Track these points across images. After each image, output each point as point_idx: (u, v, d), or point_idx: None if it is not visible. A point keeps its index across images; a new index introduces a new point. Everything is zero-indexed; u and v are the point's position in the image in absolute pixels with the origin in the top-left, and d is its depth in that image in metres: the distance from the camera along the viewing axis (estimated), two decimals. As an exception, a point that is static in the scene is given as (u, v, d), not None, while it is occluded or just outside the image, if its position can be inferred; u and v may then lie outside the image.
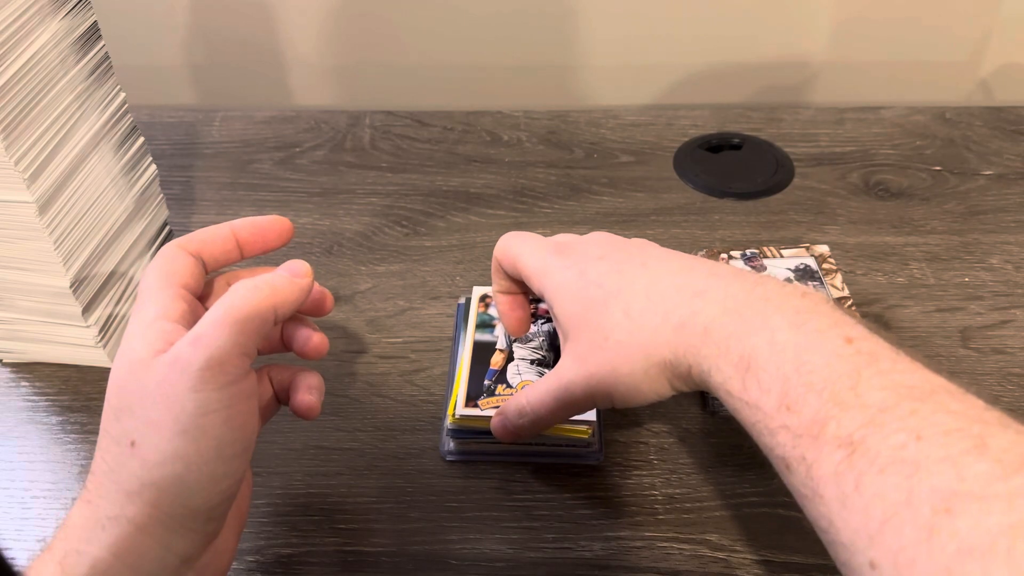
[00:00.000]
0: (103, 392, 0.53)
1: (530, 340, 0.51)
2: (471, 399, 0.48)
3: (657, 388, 0.38)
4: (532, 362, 0.49)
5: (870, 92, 0.82)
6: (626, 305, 0.39)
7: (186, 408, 0.32)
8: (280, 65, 0.83)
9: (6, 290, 0.52)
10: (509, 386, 0.48)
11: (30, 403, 0.54)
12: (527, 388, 0.44)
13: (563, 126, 0.76)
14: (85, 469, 0.49)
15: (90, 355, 0.55)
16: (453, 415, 0.47)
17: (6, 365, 0.56)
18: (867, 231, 0.65)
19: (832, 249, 0.57)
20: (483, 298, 0.54)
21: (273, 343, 0.42)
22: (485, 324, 0.52)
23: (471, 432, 0.48)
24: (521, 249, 0.46)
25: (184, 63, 0.83)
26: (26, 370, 0.55)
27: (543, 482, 0.48)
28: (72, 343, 0.54)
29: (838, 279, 0.54)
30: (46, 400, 0.54)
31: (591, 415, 0.46)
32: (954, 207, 0.67)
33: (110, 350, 0.55)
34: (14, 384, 0.55)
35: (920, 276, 0.61)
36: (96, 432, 0.51)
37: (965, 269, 0.61)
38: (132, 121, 0.56)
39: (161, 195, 0.60)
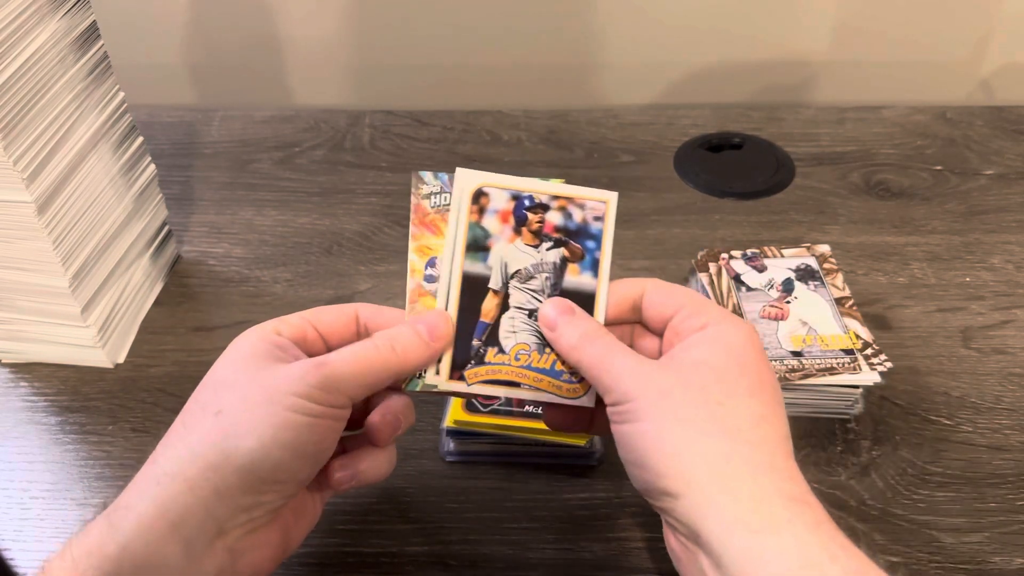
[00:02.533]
0: (102, 392, 0.54)
1: (531, 277, 0.39)
2: (456, 367, 0.38)
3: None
4: (531, 314, 0.39)
5: (871, 92, 0.82)
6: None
7: (282, 402, 0.34)
8: (279, 64, 0.83)
9: (5, 290, 0.52)
10: (502, 351, 0.39)
11: (29, 403, 0.53)
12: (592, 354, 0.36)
13: (563, 125, 0.76)
14: (84, 469, 0.49)
15: (89, 355, 0.55)
16: (419, 384, 0.38)
17: (5, 365, 0.56)
18: (868, 231, 0.65)
19: (833, 249, 0.56)
20: (477, 196, 0.40)
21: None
22: (478, 245, 0.39)
23: (470, 433, 0.48)
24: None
25: (183, 62, 0.83)
26: (25, 370, 0.55)
27: (543, 483, 0.48)
28: (71, 343, 0.54)
29: (839, 279, 0.54)
30: (45, 400, 0.54)
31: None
32: (955, 207, 0.67)
33: (109, 350, 0.55)
34: (13, 384, 0.55)
35: (921, 276, 0.61)
36: (95, 433, 0.51)
37: (966, 269, 0.61)
38: (131, 121, 0.56)
39: (160, 195, 0.60)
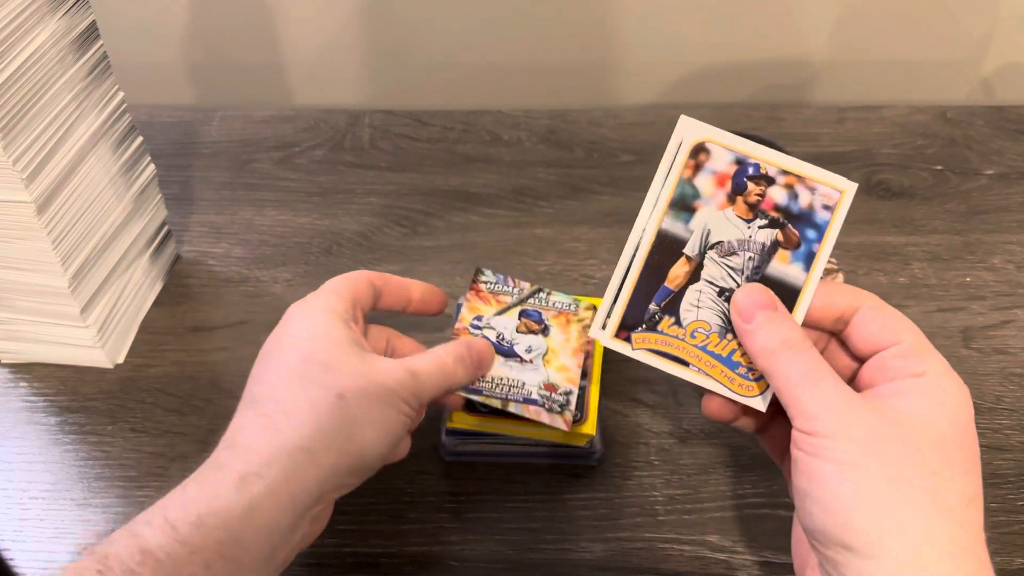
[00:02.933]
0: (101, 392, 0.54)
1: (733, 253, 0.35)
2: (625, 327, 0.35)
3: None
4: (721, 292, 0.35)
5: (871, 91, 0.82)
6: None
7: (392, 401, 0.37)
8: (279, 64, 0.83)
9: (4, 290, 0.52)
10: (678, 323, 0.35)
11: (28, 403, 0.53)
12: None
13: (563, 125, 0.76)
14: (84, 469, 0.49)
15: (88, 355, 0.54)
16: (596, 335, 0.36)
17: (4, 365, 0.56)
18: (868, 231, 0.64)
19: (833, 249, 0.56)
20: (697, 151, 0.36)
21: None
22: (684, 203, 0.35)
23: (470, 433, 0.48)
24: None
25: (183, 62, 0.83)
26: (24, 370, 0.55)
27: (543, 483, 0.48)
28: (70, 343, 0.54)
29: (839, 279, 0.54)
30: (44, 400, 0.53)
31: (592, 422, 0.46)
32: (955, 207, 0.67)
33: (108, 350, 0.55)
34: (12, 384, 0.54)
35: (922, 276, 0.60)
36: (94, 433, 0.51)
37: (967, 269, 0.61)
38: (130, 120, 0.56)
39: (159, 195, 0.60)
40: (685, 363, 0.35)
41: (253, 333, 0.57)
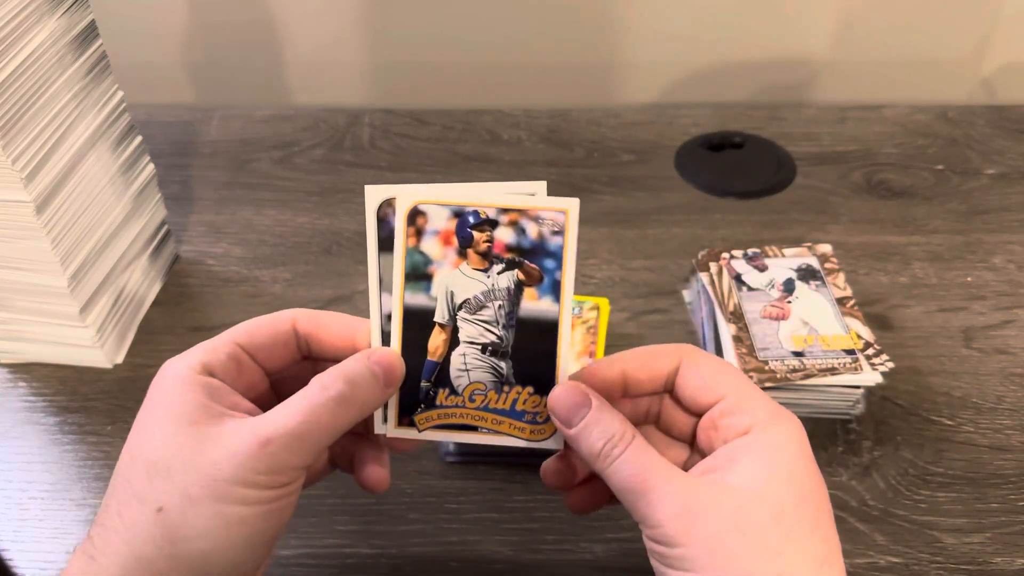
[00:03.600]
0: (101, 392, 0.54)
1: (482, 307, 0.35)
2: (405, 412, 0.35)
3: None
4: (484, 349, 0.35)
5: (872, 91, 0.82)
6: None
7: (229, 495, 0.30)
8: (279, 63, 0.83)
9: (3, 290, 0.52)
10: (454, 392, 0.35)
11: (28, 403, 0.53)
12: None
13: (563, 125, 0.76)
14: (83, 470, 0.49)
15: (88, 355, 0.54)
16: (380, 431, 0.35)
17: (3, 365, 0.56)
18: (869, 230, 0.64)
19: (834, 249, 0.56)
20: (413, 217, 0.35)
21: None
22: (418, 273, 0.34)
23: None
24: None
25: (182, 61, 0.83)
26: (24, 370, 0.55)
27: (543, 483, 0.48)
28: (69, 343, 0.54)
29: (840, 279, 0.54)
30: (44, 400, 0.53)
31: None
32: (956, 206, 0.67)
33: (107, 350, 0.55)
34: (12, 384, 0.54)
35: (923, 276, 0.60)
36: (93, 433, 0.51)
37: (968, 269, 0.61)
38: (129, 120, 0.56)
39: (159, 194, 0.60)
40: (474, 428, 0.35)
41: (253, 333, 0.57)
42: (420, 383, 0.35)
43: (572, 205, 0.34)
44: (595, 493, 0.37)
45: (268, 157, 0.73)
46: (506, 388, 0.35)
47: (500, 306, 0.34)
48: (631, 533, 0.46)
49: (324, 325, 0.35)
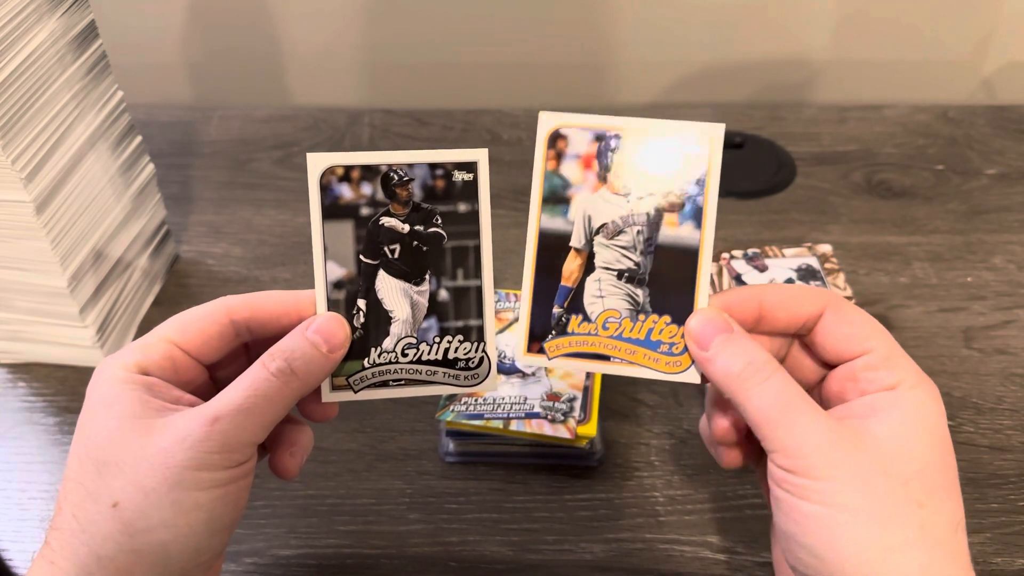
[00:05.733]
0: (100, 392, 0.54)
1: (620, 232, 0.34)
2: (535, 338, 0.34)
3: None
4: (621, 275, 0.34)
5: (872, 91, 0.82)
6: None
7: (183, 480, 0.30)
8: (278, 63, 0.83)
9: (3, 290, 0.52)
10: (587, 319, 0.34)
11: (27, 404, 0.53)
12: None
13: (563, 125, 0.76)
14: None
15: (87, 355, 0.54)
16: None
17: (3, 365, 0.56)
18: (870, 231, 0.64)
19: (835, 249, 0.56)
20: (554, 140, 0.34)
21: None
22: (556, 196, 0.34)
23: (470, 434, 0.47)
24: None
25: (182, 61, 0.83)
26: (23, 370, 0.55)
27: (543, 484, 0.48)
28: (69, 343, 0.54)
29: (840, 279, 0.54)
30: (43, 401, 0.53)
31: (592, 425, 0.46)
32: (957, 206, 0.66)
33: (107, 350, 0.54)
34: (11, 384, 0.54)
35: (923, 276, 0.60)
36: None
37: (968, 269, 0.61)
38: (129, 120, 0.56)
39: (158, 194, 0.60)
40: (607, 357, 0.34)
41: (252, 333, 0.57)
42: (552, 309, 0.34)
43: (717, 129, 0.34)
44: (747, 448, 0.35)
45: (268, 157, 0.73)
46: (642, 317, 0.34)
47: (639, 231, 0.33)
48: (631, 534, 0.46)
49: (261, 307, 0.34)
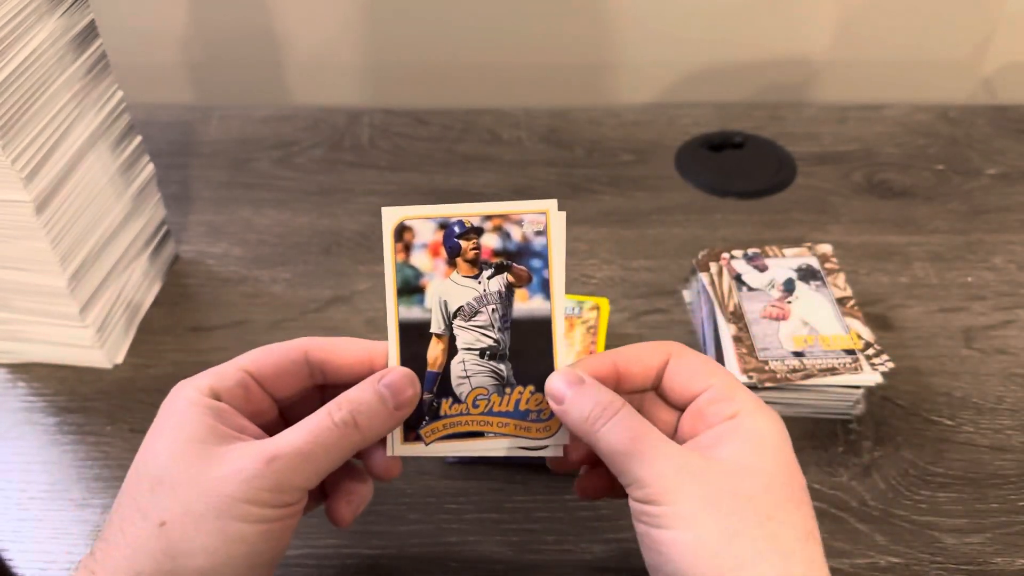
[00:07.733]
0: (100, 393, 0.54)
1: (476, 312, 0.35)
2: (411, 428, 0.35)
3: None
4: (483, 353, 0.35)
5: (873, 90, 0.82)
6: None
7: (231, 510, 0.31)
8: (278, 63, 0.83)
9: (3, 290, 0.52)
10: (458, 400, 0.35)
11: (27, 404, 0.53)
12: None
13: (563, 124, 0.76)
14: (82, 470, 0.49)
15: (87, 355, 0.54)
16: (399, 442, 0.36)
17: (3, 365, 0.56)
18: (870, 230, 0.64)
19: (835, 249, 0.56)
20: (400, 233, 0.36)
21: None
22: (410, 287, 0.36)
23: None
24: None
25: (181, 61, 0.83)
26: (23, 370, 0.55)
27: (543, 484, 0.48)
28: (69, 343, 0.54)
29: (841, 279, 0.54)
30: (43, 401, 0.53)
31: None
32: (957, 206, 0.66)
33: (107, 350, 0.54)
34: (11, 384, 0.54)
35: (923, 276, 0.60)
36: (92, 433, 0.51)
37: (968, 269, 0.61)
38: (129, 120, 0.56)
39: (158, 194, 0.60)
40: (481, 434, 0.36)
41: (252, 333, 0.57)
42: (423, 396, 0.35)
43: (551, 206, 0.35)
44: (601, 478, 0.37)
45: (267, 157, 0.73)
46: (508, 390, 0.36)
47: (493, 310, 0.35)
48: (631, 533, 0.45)
49: (339, 351, 0.36)
